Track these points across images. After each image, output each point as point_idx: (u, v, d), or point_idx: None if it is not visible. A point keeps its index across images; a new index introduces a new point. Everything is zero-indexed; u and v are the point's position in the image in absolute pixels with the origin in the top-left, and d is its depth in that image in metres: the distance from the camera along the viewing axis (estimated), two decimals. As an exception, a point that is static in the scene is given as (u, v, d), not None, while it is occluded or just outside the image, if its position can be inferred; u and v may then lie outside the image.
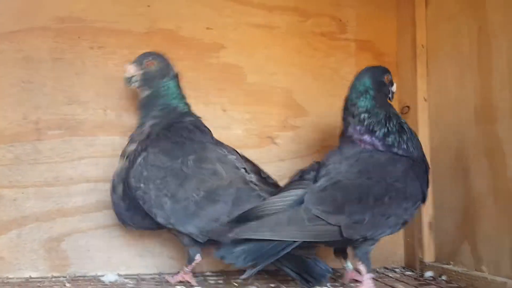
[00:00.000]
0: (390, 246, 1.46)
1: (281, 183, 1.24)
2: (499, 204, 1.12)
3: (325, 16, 1.50)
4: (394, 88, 1.24)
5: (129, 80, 1.20)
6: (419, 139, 1.21)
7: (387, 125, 1.16)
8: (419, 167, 1.15)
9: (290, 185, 1.13)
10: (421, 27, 1.43)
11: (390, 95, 1.23)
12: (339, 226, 1.02)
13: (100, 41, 1.34)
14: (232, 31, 1.43)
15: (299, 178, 1.14)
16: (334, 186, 1.07)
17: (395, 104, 1.48)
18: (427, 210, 1.39)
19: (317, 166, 1.15)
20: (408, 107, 1.47)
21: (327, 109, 1.47)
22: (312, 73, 1.48)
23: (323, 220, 1.01)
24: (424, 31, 1.43)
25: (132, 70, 1.20)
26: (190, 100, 1.35)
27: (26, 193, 1.30)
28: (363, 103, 1.18)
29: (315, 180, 1.10)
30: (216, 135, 1.27)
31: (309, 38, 1.49)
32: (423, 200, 1.14)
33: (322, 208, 1.02)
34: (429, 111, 1.42)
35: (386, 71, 1.23)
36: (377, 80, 1.20)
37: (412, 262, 1.44)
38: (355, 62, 1.51)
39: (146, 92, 1.22)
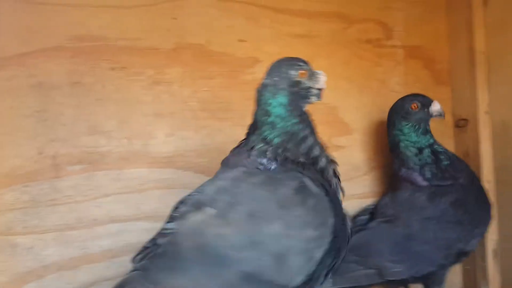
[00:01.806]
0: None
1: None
2: None
3: (369, 21, 1.34)
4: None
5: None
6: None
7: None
8: (465, 193, 1.05)
9: None
10: (479, 31, 1.28)
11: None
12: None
13: (122, 61, 1.16)
14: (268, 43, 1.27)
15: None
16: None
17: (448, 116, 1.34)
18: (491, 236, 1.25)
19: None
20: (465, 119, 1.32)
21: (375, 125, 1.32)
22: (358, 86, 1.32)
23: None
24: (483, 36, 1.27)
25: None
26: (224, 123, 1.21)
27: (45, 239, 1.13)
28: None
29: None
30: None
31: (354, 47, 1.33)
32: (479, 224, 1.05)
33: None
34: (492, 126, 1.27)
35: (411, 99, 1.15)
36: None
37: (473, 292, 1.30)
38: (404, 70, 1.35)
39: None
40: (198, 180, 1.06)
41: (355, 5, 1.33)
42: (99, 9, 1.16)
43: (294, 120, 0.85)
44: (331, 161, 0.88)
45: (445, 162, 1.08)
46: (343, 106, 1.31)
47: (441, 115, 1.12)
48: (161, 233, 0.81)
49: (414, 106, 1.11)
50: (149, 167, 1.18)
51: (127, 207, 1.17)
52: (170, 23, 1.20)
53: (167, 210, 0.87)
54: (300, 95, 0.87)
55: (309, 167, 0.84)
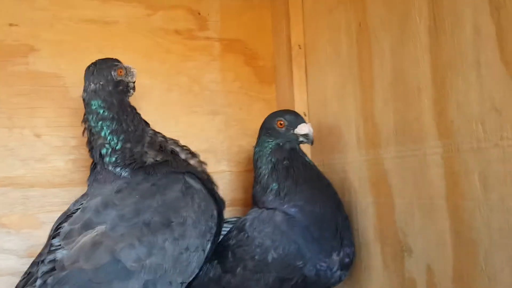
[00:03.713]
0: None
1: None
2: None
3: (178, 8, 1.17)
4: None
5: None
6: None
7: None
8: None
9: None
10: (297, 22, 1.14)
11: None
12: None
13: None
14: (46, 29, 1.06)
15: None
16: None
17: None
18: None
19: None
20: (287, 122, 1.17)
21: (184, 127, 1.16)
22: (163, 82, 1.15)
23: None
24: (301, 28, 1.14)
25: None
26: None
27: None
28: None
29: None
30: (27, 168, 1.01)
31: (159, 37, 1.15)
32: None
33: None
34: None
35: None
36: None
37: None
38: (220, 66, 1.19)
39: None
40: None
41: (161, -13, 1.15)
42: None
43: (129, 119, 0.87)
44: (187, 151, 0.93)
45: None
46: (146, 106, 1.11)
47: (308, 140, 0.95)
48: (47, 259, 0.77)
49: (280, 124, 0.95)
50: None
51: None
52: None
53: None
54: (123, 92, 0.88)
55: (177, 160, 0.88)
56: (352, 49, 0.94)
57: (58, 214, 1.02)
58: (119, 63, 0.89)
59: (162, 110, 1.14)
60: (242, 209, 1.18)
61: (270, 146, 0.95)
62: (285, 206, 0.91)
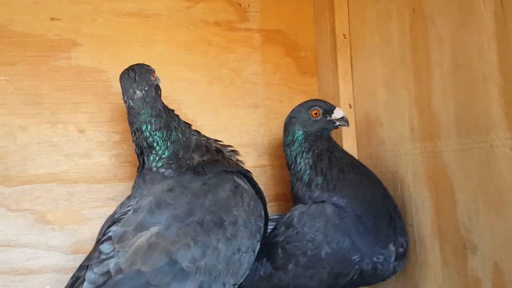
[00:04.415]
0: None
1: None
2: None
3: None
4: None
5: None
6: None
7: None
8: None
9: None
10: (341, 11, 1.10)
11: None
12: None
13: None
14: (88, 23, 1.05)
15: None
16: None
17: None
18: None
19: None
20: (330, 115, 1.14)
21: (225, 121, 1.13)
22: (204, 76, 1.12)
23: None
24: (346, 17, 1.10)
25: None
26: (29, 120, 0.99)
27: None
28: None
29: None
30: (71, 164, 1.00)
31: (200, 29, 1.12)
32: None
33: None
34: (355, 121, 1.09)
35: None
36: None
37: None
38: (261, 58, 1.16)
39: None
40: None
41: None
42: None
43: (176, 125, 0.86)
44: (230, 147, 0.93)
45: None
46: (187, 100, 1.10)
47: (345, 122, 0.94)
48: (100, 259, 0.75)
49: (315, 113, 0.93)
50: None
51: None
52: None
53: None
54: (160, 96, 0.86)
55: (226, 159, 0.87)
56: (405, 37, 0.90)
57: (103, 210, 1.03)
58: (150, 67, 0.86)
59: (203, 103, 1.12)
60: (284, 204, 1.16)
61: (308, 138, 0.92)
62: (334, 198, 0.88)
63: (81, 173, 1.02)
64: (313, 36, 1.20)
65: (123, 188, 1.03)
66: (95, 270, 0.73)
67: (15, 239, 0.98)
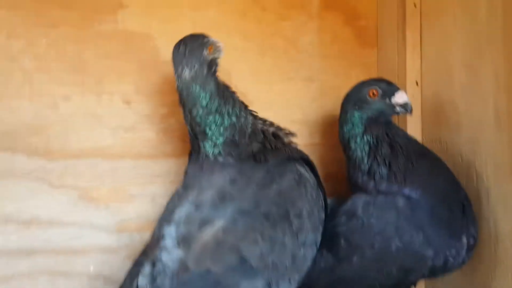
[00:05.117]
0: None
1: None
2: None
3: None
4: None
5: None
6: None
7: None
8: None
9: None
10: (412, -24, 0.99)
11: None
12: None
13: None
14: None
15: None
16: None
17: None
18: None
19: None
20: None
21: (277, 95, 1.05)
22: (258, 44, 1.03)
23: None
24: (417, -16, 0.99)
25: None
26: (72, 89, 0.91)
27: None
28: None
29: None
30: (116, 138, 0.93)
31: (254, -7, 1.02)
32: None
33: None
34: (421, 101, 1.01)
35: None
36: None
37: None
38: (318, 27, 1.06)
39: None
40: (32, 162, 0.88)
41: None
42: None
43: (231, 107, 0.77)
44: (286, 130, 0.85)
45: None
46: (238, 71, 1.01)
47: (407, 109, 0.85)
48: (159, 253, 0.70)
49: (373, 93, 0.84)
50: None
51: None
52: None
53: None
54: (215, 72, 0.78)
55: (285, 146, 0.81)
56: (496, 12, 0.80)
57: (149, 187, 0.96)
58: (208, 38, 0.78)
59: (255, 75, 1.03)
60: (333, 185, 1.09)
61: (363, 121, 0.84)
62: (406, 190, 0.81)
63: (126, 148, 0.95)
64: (375, 3, 1.09)
65: (172, 166, 0.96)
66: (157, 268, 0.68)
67: (57, 216, 0.92)
